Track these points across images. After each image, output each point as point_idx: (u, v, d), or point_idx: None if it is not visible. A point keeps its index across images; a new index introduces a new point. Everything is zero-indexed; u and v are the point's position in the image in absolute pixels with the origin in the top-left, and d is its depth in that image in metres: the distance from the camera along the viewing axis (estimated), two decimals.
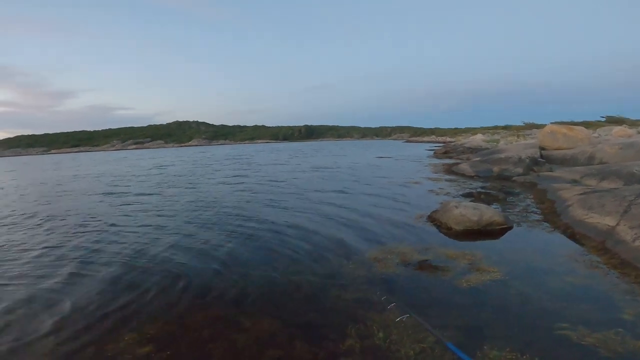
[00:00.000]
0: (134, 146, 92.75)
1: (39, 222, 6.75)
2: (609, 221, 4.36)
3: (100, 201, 9.05)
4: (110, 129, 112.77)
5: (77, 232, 5.80)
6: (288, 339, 2.58)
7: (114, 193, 10.46)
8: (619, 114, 37.70)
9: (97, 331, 2.82)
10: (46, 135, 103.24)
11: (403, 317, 2.33)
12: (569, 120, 29.93)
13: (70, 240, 5.34)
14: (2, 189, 13.45)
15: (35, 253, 4.80)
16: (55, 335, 2.78)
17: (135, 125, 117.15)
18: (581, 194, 5.69)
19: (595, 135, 19.61)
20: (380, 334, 2.55)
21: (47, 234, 5.81)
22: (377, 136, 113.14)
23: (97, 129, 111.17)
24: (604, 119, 37.25)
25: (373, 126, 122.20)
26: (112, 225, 6.17)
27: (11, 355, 2.54)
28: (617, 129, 21.09)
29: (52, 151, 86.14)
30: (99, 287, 3.65)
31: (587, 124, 26.32)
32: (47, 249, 4.94)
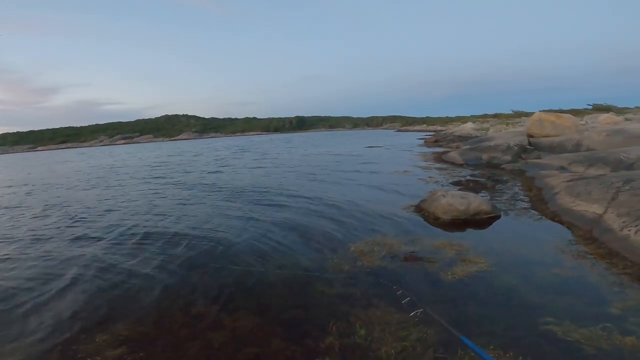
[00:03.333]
0: (123, 141, 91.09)
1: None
2: (596, 209, 4.32)
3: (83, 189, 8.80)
4: (97, 124, 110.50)
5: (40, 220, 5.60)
6: (267, 336, 2.51)
7: (111, 186, 10.20)
8: (605, 101, 38.16)
9: (66, 333, 2.71)
10: (32, 132, 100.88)
11: (417, 312, 2.24)
12: (557, 108, 30.14)
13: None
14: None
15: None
16: (21, 338, 2.66)
17: (123, 120, 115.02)
18: (568, 180, 5.65)
19: (583, 122, 19.73)
20: (362, 332, 2.46)
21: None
22: (368, 126, 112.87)
23: (84, 125, 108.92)
24: (591, 107, 37.69)
25: (365, 116, 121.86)
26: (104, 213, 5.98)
27: None
28: (604, 117, 21.27)
29: (39, 148, 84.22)
30: (67, 287, 3.51)
31: (574, 112, 26.57)
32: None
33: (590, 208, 4.41)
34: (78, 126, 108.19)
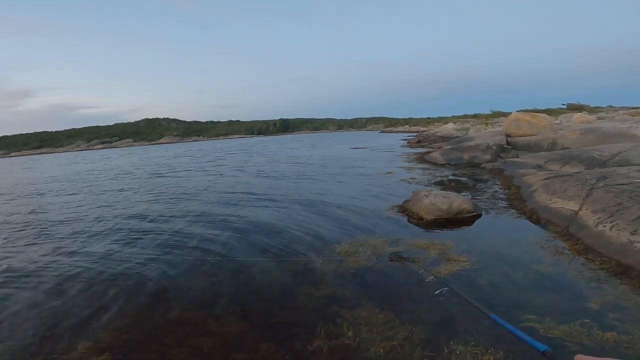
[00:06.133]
0: (101, 146, 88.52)
1: None
2: (572, 206, 4.47)
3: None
4: (74, 128, 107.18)
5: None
6: (255, 340, 2.49)
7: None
8: (578, 101, 39.69)
9: (47, 341, 2.64)
10: (5, 137, 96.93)
11: (443, 290, 2.28)
12: (533, 108, 31.13)
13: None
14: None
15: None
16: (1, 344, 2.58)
17: (101, 124, 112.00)
18: (545, 179, 5.83)
19: (557, 121, 20.44)
20: (350, 333, 2.47)
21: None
22: (352, 127, 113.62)
23: (59, 129, 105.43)
24: (565, 106, 39.10)
25: (349, 118, 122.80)
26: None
27: None
28: (577, 116, 22.10)
29: (13, 154, 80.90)
30: (48, 293, 3.42)
31: (549, 112, 27.49)
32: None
33: (566, 205, 4.57)
34: (53, 131, 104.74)
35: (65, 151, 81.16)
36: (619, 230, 3.51)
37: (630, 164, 6.26)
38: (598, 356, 0.53)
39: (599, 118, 21.36)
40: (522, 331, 1.24)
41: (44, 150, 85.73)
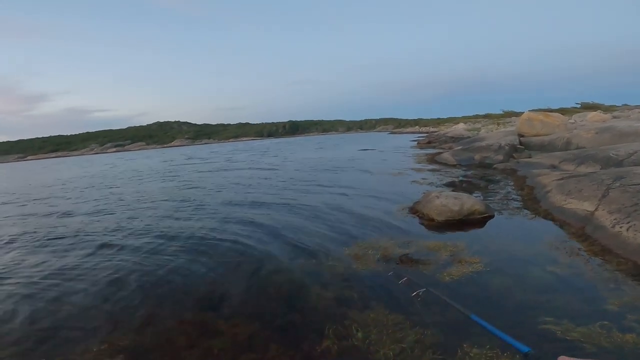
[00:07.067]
0: (114, 149, 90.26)
1: None
2: (587, 206, 4.36)
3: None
4: (88, 132, 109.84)
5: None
6: (265, 342, 2.49)
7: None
8: (593, 100, 38.91)
9: (62, 342, 2.68)
10: (21, 141, 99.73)
11: (420, 292, 2.25)
12: (546, 107, 30.60)
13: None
14: None
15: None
16: (15, 347, 2.63)
17: (114, 128, 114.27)
18: (559, 179, 5.71)
19: (572, 121, 20.05)
20: (359, 334, 2.45)
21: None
22: (361, 129, 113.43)
23: (73, 133, 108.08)
24: (579, 105, 38.34)
25: (358, 119, 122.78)
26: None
27: None
28: (592, 115, 21.64)
29: (29, 157, 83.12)
30: (63, 296, 3.46)
31: (563, 111, 26.99)
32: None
33: (582, 206, 4.46)
34: (68, 134, 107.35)
35: (80, 154, 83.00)
36: (636, 231, 3.41)
37: None
38: (581, 357, 0.52)
39: (614, 117, 20.88)
40: (503, 332, 1.21)
41: (59, 153, 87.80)
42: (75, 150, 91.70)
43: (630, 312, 2.45)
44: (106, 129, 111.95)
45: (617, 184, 4.45)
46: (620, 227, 3.59)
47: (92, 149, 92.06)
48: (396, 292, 3.08)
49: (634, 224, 3.49)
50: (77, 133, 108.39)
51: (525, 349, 0.94)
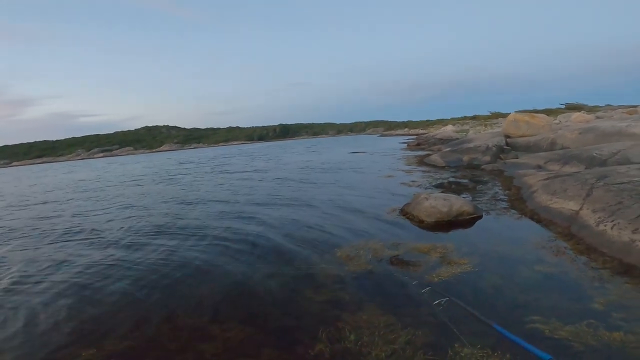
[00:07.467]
0: (101, 154, 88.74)
1: None
2: (572, 206, 4.46)
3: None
4: (74, 137, 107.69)
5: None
6: (258, 346, 2.49)
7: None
8: (577, 101, 39.86)
9: (49, 347, 2.65)
10: (6, 147, 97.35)
11: (442, 301, 2.24)
12: (532, 108, 31.28)
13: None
14: None
15: None
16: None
17: (101, 133, 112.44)
18: (545, 179, 5.83)
19: (556, 121, 20.48)
20: (352, 337, 2.46)
21: None
22: (352, 132, 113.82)
23: (59, 138, 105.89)
24: (563, 106, 39.22)
25: (348, 122, 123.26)
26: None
27: None
28: (576, 115, 22.15)
29: (14, 163, 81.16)
30: (49, 299, 3.44)
31: (548, 112, 27.60)
32: None
33: (567, 205, 4.56)
34: (54, 140, 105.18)
35: (67, 160, 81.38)
36: (620, 229, 3.50)
37: (630, 162, 6.26)
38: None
39: (597, 117, 21.40)
40: (524, 340, 1.23)
41: (45, 159, 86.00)
42: (61, 155, 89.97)
43: (616, 311, 2.50)
44: (93, 133, 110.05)
45: (601, 183, 4.56)
46: (605, 226, 3.68)
47: (79, 155, 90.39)
48: (388, 293, 3.12)
49: (618, 222, 3.58)
50: (63, 138, 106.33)
51: (546, 356, 0.97)
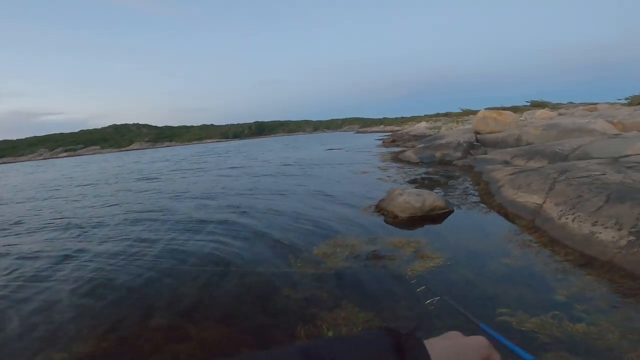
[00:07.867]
0: (65, 154, 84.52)
1: None
2: (536, 199, 4.69)
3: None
4: (35, 136, 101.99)
5: None
6: (235, 345, 2.47)
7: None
8: (541, 98, 41.81)
9: (18, 352, 2.57)
10: None
11: (434, 300, 2.27)
12: (500, 106, 32.42)
13: None
14: None
15: None
16: None
17: (65, 131, 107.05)
18: (511, 174, 6.09)
19: (522, 118, 21.39)
20: (330, 334, 2.49)
21: None
22: (328, 129, 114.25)
23: (20, 137, 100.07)
24: (529, 103, 41.01)
25: (324, 119, 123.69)
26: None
27: None
28: (540, 112, 23.20)
29: None
30: (17, 303, 3.34)
31: (515, 109, 28.74)
32: None
33: (531, 199, 4.78)
34: (14, 139, 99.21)
35: (28, 160, 76.93)
36: (580, 221, 3.68)
37: (590, 157, 6.64)
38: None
39: (560, 114, 22.53)
40: (509, 340, 1.28)
41: (4, 160, 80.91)
42: (22, 155, 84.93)
43: (578, 302, 2.60)
44: (56, 132, 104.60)
45: (563, 178, 4.82)
46: (566, 219, 3.88)
47: (41, 154, 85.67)
48: (365, 289, 3.17)
49: (579, 215, 3.78)
50: (24, 137, 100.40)
51: (530, 358, 1.00)
